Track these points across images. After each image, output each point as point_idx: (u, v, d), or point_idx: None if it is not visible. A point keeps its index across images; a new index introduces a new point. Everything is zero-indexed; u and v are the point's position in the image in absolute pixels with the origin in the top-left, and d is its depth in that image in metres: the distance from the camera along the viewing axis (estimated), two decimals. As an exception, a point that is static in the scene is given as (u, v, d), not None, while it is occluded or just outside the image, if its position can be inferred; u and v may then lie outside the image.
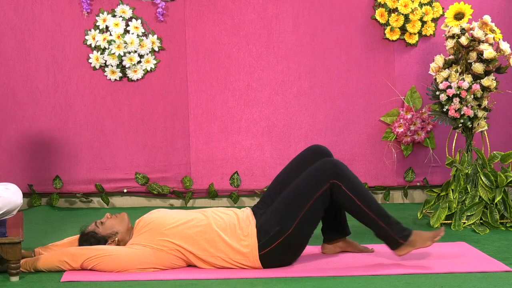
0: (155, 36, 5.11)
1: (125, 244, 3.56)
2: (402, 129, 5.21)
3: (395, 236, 3.53)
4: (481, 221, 4.51)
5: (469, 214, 4.50)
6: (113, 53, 5.06)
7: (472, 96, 4.54)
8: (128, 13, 5.08)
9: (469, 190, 4.57)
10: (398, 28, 5.19)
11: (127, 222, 3.61)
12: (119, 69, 5.12)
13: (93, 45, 5.09)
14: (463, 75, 4.58)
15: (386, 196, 5.33)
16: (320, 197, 3.48)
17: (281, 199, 3.55)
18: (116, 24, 5.07)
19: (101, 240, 3.54)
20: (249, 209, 3.64)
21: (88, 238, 3.57)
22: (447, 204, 4.55)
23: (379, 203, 3.64)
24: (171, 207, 5.22)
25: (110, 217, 3.61)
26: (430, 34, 5.22)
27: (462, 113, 4.55)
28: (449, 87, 4.56)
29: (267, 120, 5.24)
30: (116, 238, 3.55)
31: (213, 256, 3.50)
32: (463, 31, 4.58)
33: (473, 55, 4.54)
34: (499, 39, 4.55)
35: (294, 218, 3.48)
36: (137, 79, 5.15)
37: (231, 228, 3.51)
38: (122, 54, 5.06)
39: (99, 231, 3.57)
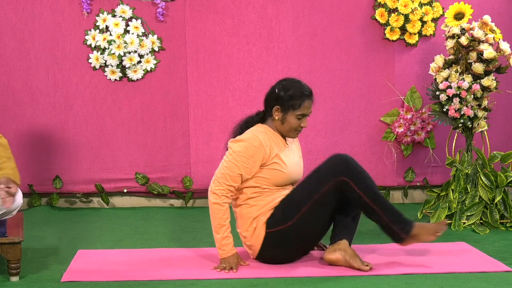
0: (155, 36, 5.11)
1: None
2: (402, 129, 5.21)
3: (397, 231, 3.56)
4: (481, 221, 4.51)
5: (469, 214, 4.50)
6: (113, 53, 5.06)
7: (472, 96, 4.54)
8: (128, 13, 5.08)
9: (469, 190, 4.57)
10: (398, 28, 5.19)
11: None
12: (119, 69, 5.12)
13: (93, 45, 5.09)
14: (463, 75, 4.58)
15: (386, 196, 5.33)
16: (327, 193, 3.52)
17: (293, 190, 3.62)
18: (116, 24, 5.06)
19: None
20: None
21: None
22: (447, 204, 4.55)
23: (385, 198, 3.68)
24: (173, 207, 5.23)
25: None
26: (430, 34, 5.22)
27: (462, 113, 4.56)
28: (449, 87, 4.56)
29: (267, 120, 5.24)
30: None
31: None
32: (463, 31, 4.58)
33: (473, 55, 4.54)
34: (499, 39, 4.55)
35: (297, 210, 3.54)
36: (137, 79, 5.15)
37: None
38: (122, 54, 5.06)
39: None
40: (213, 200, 3.55)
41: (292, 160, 3.67)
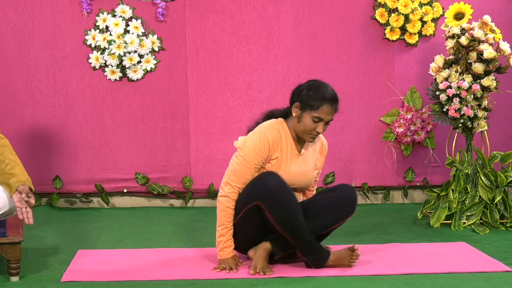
0: (155, 36, 5.11)
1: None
2: (402, 129, 5.21)
3: (309, 262, 3.53)
4: (481, 221, 4.51)
5: (469, 214, 4.50)
6: (113, 53, 5.06)
7: (472, 96, 4.54)
8: (128, 13, 5.07)
9: (469, 190, 4.57)
10: (398, 28, 5.19)
11: None
12: (119, 69, 5.12)
13: (93, 45, 5.09)
14: (463, 75, 4.58)
15: (386, 196, 5.33)
16: (249, 211, 3.51)
17: None
18: (116, 24, 5.06)
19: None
20: None
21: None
22: (447, 204, 4.55)
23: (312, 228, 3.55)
24: (173, 207, 5.22)
25: None
26: (430, 34, 5.22)
27: (462, 113, 4.56)
28: (449, 87, 4.56)
29: (267, 120, 5.24)
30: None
31: None
32: (463, 31, 4.58)
33: (473, 55, 4.54)
34: (499, 39, 4.55)
35: (235, 215, 3.55)
36: (137, 79, 5.15)
37: None
38: (122, 54, 5.06)
39: None
40: (226, 204, 3.52)
41: (291, 169, 3.59)
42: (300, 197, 3.71)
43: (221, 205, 3.54)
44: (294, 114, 3.56)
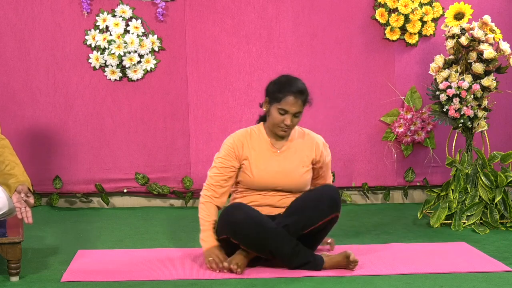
0: (155, 36, 5.11)
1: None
2: (402, 129, 5.21)
3: (308, 269, 3.51)
4: (481, 221, 4.51)
5: (469, 214, 4.50)
6: (113, 53, 5.06)
7: (472, 96, 4.54)
8: (128, 13, 5.07)
9: (469, 190, 4.57)
10: (398, 28, 5.19)
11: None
12: (119, 69, 5.12)
13: (93, 45, 5.09)
14: (463, 75, 4.58)
15: (386, 196, 5.33)
16: (224, 240, 3.56)
17: None
18: (116, 24, 5.06)
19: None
20: None
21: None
22: (447, 204, 4.55)
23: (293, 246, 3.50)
24: (173, 207, 5.22)
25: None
26: (430, 34, 5.22)
27: (462, 113, 4.56)
28: (449, 87, 4.56)
29: (267, 120, 5.24)
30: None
31: None
32: (463, 31, 4.58)
33: (473, 55, 4.54)
34: (499, 39, 4.55)
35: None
36: (137, 79, 5.15)
37: None
38: (122, 54, 5.06)
39: None
40: (201, 200, 3.65)
41: (269, 167, 3.61)
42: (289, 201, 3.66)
43: (199, 204, 3.66)
44: (264, 109, 3.63)
